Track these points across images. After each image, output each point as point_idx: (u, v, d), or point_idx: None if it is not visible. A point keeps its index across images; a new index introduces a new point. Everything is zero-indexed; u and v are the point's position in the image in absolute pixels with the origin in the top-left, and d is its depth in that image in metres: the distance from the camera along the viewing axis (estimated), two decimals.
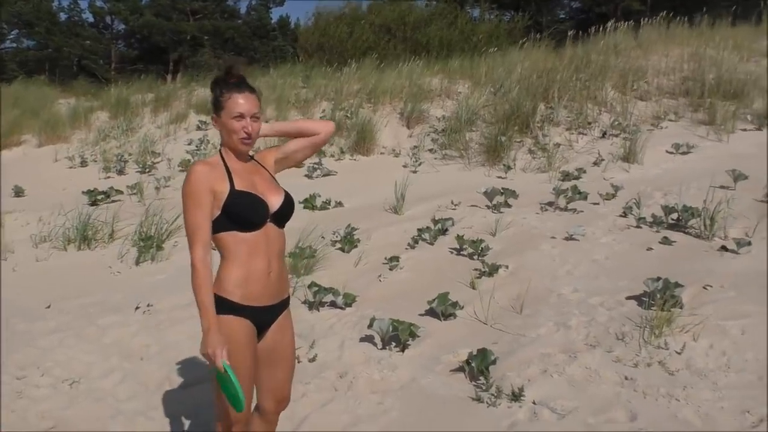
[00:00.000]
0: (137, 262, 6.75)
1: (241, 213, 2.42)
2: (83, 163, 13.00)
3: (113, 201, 9.80)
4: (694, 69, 12.60)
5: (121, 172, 12.13)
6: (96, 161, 13.03)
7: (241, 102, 2.47)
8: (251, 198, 2.45)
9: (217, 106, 2.51)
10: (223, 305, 2.40)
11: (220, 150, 2.58)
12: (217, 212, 2.42)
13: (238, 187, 2.44)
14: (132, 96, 16.72)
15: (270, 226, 2.51)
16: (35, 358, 4.44)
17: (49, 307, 5.56)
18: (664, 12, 15.37)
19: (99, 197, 9.82)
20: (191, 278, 2.39)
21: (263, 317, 2.50)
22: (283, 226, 2.60)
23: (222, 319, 2.37)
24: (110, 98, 16.79)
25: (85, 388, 4.04)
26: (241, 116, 2.47)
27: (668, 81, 12.62)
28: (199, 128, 14.11)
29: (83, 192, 10.00)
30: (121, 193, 10.14)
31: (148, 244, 6.97)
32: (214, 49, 39.05)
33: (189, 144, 13.14)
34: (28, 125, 15.56)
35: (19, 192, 11.08)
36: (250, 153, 2.64)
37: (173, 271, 6.49)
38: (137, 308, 5.37)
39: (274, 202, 2.53)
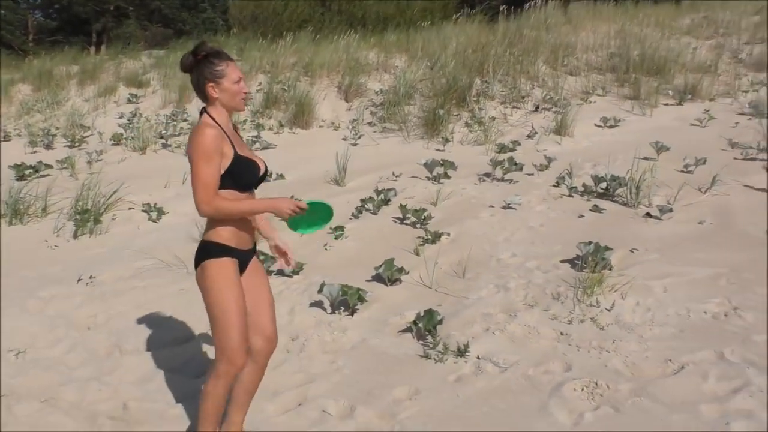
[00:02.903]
0: (75, 236, 6.61)
1: (244, 176, 2.79)
2: (7, 137, 12.45)
3: (42, 176, 9.47)
4: (620, 45, 13.12)
5: (48, 146, 11.68)
6: (20, 135, 12.49)
7: (236, 68, 2.83)
8: (250, 163, 2.82)
9: (217, 75, 2.78)
10: (220, 250, 2.79)
11: (207, 115, 2.81)
12: (222, 171, 2.73)
13: (238, 152, 2.78)
14: (56, 68, 16.06)
15: (253, 188, 2.92)
16: None
17: None
18: None
19: (27, 172, 9.47)
20: (230, 214, 2.74)
21: (244, 257, 2.91)
22: (257, 187, 2.97)
23: (219, 260, 2.78)
24: (32, 70, 16.08)
25: (32, 357, 4.00)
26: (240, 80, 2.83)
27: (596, 57, 13.11)
28: (129, 101, 13.73)
29: (9, 166, 9.62)
30: (51, 167, 9.80)
31: (85, 218, 6.83)
32: (139, 20, 37.61)
33: (120, 117, 12.78)
34: None
35: None
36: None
37: (114, 244, 6.40)
38: (79, 280, 5.31)
39: (261, 167, 2.91)
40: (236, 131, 2.94)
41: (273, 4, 18.66)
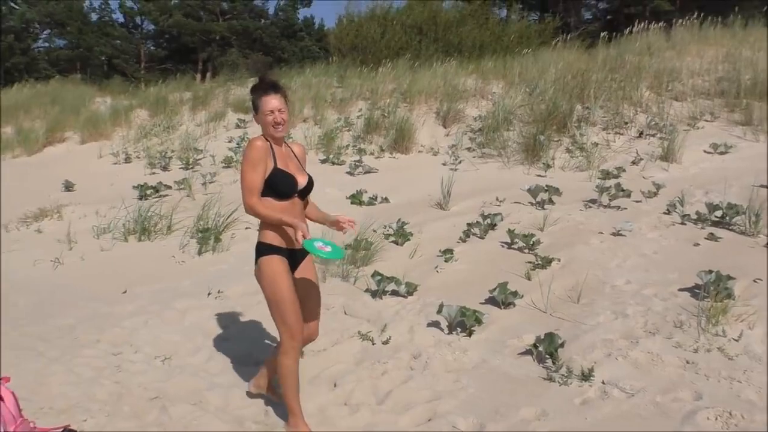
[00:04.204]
0: (199, 253, 7.06)
1: (279, 185, 3.31)
2: (127, 160, 13.39)
3: (161, 195, 10.13)
4: (729, 70, 12.70)
5: (165, 168, 12.47)
6: (139, 158, 13.41)
7: (270, 101, 3.33)
8: (287, 176, 3.32)
9: (255, 107, 3.40)
10: (268, 248, 3.36)
11: (264, 134, 3.38)
12: (262, 179, 3.28)
13: (279, 165, 3.30)
14: (170, 95, 17.12)
15: (296, 198, 3.41)
16: (125, 337, 4.74)
17: (125, 292, 5.88)
18: (695, 12, 15.44)
19: (148, 192, 10.17)
20: (262, 217, 3.31)
21: (292, 255, 3.42)
22: (305, 198, 3.51)
23: (269, 258, 3.34)
24: (148, 97, 17.21)
25: (178, 363, 4.33)
26: (271, 112, 3.33)
27: (703, 82, 12.72)
28: (238, 126, 14.45)
29: (133, 187, 10.34)
30: (170, 188, 10.47)
31: (207, 236, 7.28)
32: (242, 48, 39.48)
33: (229, 142, 13.47)
34: (70, 123, 16.05)
35: (69, 187, 11.47)
36: (286, 139, 3.56)
37: (234, 261, 6.78)
38: (209, 294, 5.67)
39: (301, 181, 3.42)
40: (291, 150, 3.49)
41: (371, 33, 19.17)
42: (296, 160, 3.50)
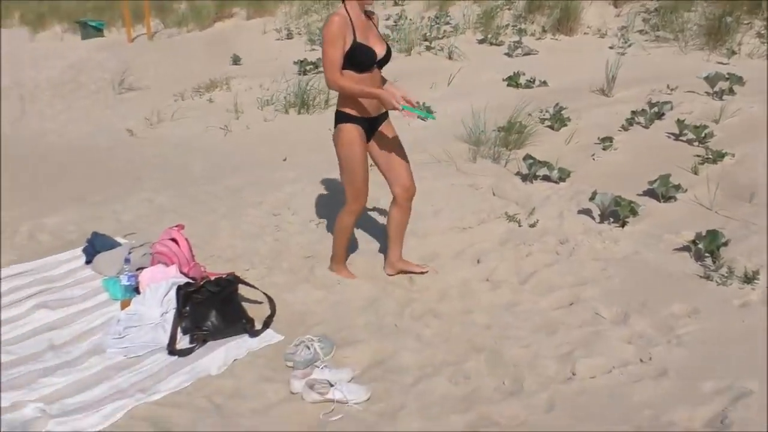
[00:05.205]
0: None
1: (359, 59, 3.38)
2: (289, 36, 13.73)
3: (320, 71, 10.36)
4: None
5: None
6: (300, 34, 13.68)
7: None
8: (366, 49, 3.38)
9: None
10: (347, 117, 3.52)
11: (343, 6, 3.39)
12: (342, 54, 3.34)
13: (359, 39, 3.35)
14: None
15: (375, 69, 3.50)
16: (285, 201, 5.08)
17: (285, 160, 6.22)
18: None
19: (308, 67, 10.43)
20: (344, 90, 3.42)
21: (370, 124, 3.60)
22: (382, 68, 3.59)
23: (346, 125, 3.52)
24: None
25: (330, 227, 4.58)
26: None
27: None
28: (396, 4, 14.21)
29: (294, 62, 10.66)
30: None
31: None
32: None
33: (387, 19, 13.31)
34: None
35: (236, 60, 12.04)
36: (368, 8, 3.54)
37: None
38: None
39: (380, 52, 3.48)
40: (370, 20, 3.51)
41: None
42: (375, 30, 3.56)
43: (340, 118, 3.56)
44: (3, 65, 12.90)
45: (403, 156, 3.74)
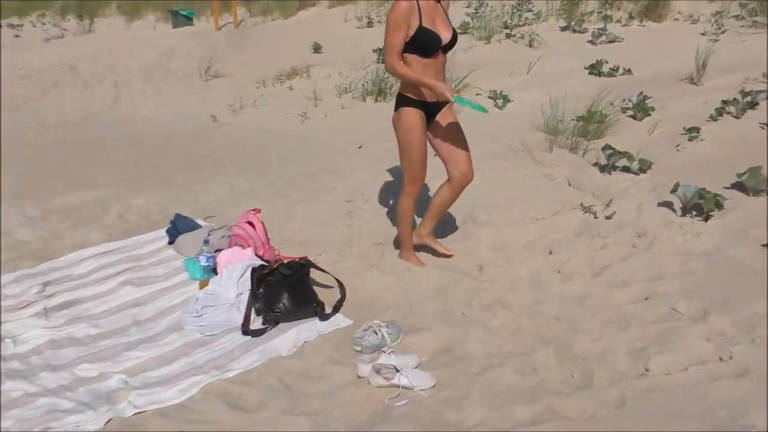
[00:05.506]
0: None
1: (423, 44, 3.37)
2: (369, 24, 13.80)
3: None
4: None
5: None
6: (381, 22, 13.71)
7: None
8: (431, 34, 3.36)
9: None
10: (408, 101, 3.55)
11: None
12: (407, 39, 3.34)
13: (424, 23, 3.32)
14: None
15: (440, 54, 3.47)
16: (358, 187, 5.14)
17: (360, 147, 6.29)
18: None
19: None
20: (400, 76, 3.46)
21: (430, 109, 3.59)
22: (447, 53, 3.56)
23: (407, 109, 3.54)
24: None
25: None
26: None
27: None
28: None
29: (373, 50, 10.72)
30: None
31: None
32: None
33: (468, 6, 13.18)
34: None
35: (317, 49, 12.22)
36: None
37: (464, 125, 6.82)
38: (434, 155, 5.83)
39: (445, 37, 3.44)
40: (439, 4, 3.45)
41: None
42: (443, 14, 3.50)
43: (402, 101, 3.58)
44: (102, 53, 13.62)
45: (463, 142, 3.71)
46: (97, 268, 4.02)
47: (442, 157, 3.73)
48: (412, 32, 3.33)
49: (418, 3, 3.33)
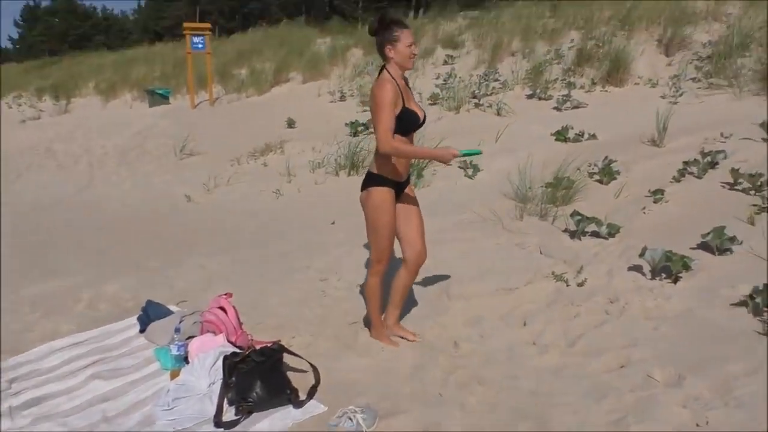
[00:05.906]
0: None
1: (406, 123, 3.47)
2: (342, 98, 14.12)
3: (371, 132, 10.58)
4: None
5: None
6: (353, 96, 14.06)
7: (409, 35, 3.46)
8: (413, 114, 3.50)
9: (392, 40, 3.43)
10: (379, 179, 3.58)
11: (386, 72, 3.45)
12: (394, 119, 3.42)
13: (406, 105, 3.45)
14: None
15: (412, 132, 3.61)
16: (331, 264, 5.14)
17: (333, 223, 6.33)
18: None
19: (359, 128, 10.68)
20: (403, 154, 3.49)
21: (399, 187, 3.67)
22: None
23: (379, 189, 3.57)
24: (363, 36, 17.81)
25: None
26: (411, 45, 3.45)
27: None
28: (445, 62, 14.48)
29: (345, 124, 10.94)
30: None
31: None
32: None
33: (437, 78, 13.57)
34: (294, 64, 17.24)
35: (291, 124, 12.45)
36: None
37: (435, 197, 6.94)
38: None
39: (421, 116, 3.59)
40: (407, 85, 3.57)
41: None
42: (411, 94, 3.62)
43: (373, 179, 3.61)
44: (77, 133, 13.72)
45: (420, 221, 3.79)
46: (66, 360, 3.93)
47: (397, 234, 3.75)
48: (397, 111, 3.41)
49: (398, 84, 3.43)
